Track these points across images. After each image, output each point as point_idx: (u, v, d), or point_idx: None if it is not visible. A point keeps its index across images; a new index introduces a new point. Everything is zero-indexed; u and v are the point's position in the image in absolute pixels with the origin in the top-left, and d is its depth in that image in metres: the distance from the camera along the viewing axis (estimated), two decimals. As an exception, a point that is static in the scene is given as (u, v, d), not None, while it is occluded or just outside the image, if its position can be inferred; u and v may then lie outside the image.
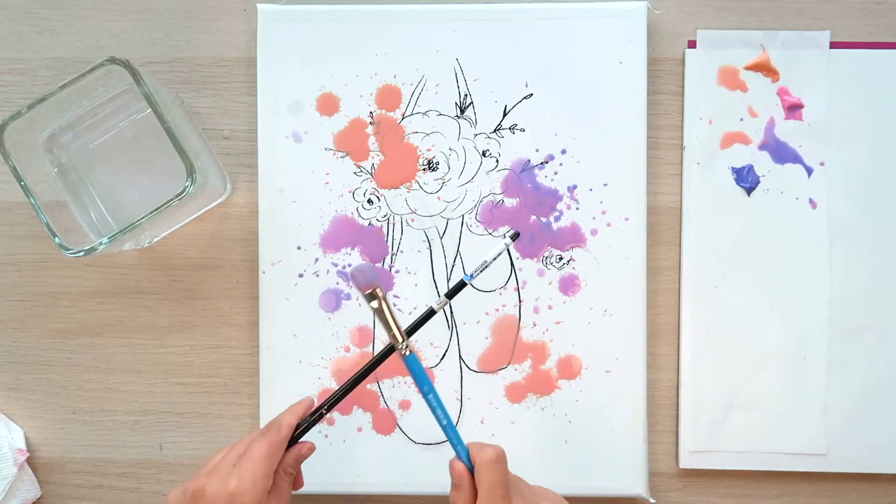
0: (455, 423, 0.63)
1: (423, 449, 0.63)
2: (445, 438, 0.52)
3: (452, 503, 0.51)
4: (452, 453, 0.52)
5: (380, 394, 0.64)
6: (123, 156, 0.62)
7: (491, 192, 0.63)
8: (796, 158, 0.63)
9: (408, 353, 0.52)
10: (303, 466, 0.54)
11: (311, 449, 0.55)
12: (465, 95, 0.63)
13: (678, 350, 0.64)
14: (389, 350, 0.53)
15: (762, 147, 0.63)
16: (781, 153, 0.63)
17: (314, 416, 0.54)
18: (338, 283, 0.63)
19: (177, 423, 0.65)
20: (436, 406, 0.52)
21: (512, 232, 0.57)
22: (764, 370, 0.63)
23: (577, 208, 0.63)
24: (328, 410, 0.54)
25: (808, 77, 0.62)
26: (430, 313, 0.54)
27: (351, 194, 0.63)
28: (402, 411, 0.63)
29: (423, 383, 0.52)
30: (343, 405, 0.63)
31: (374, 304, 0.51)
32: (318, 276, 0.63)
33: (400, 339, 0.52)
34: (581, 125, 0.63)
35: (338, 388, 0.56)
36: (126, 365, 0.65)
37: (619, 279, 0.63)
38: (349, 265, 0.63)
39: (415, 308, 0.63)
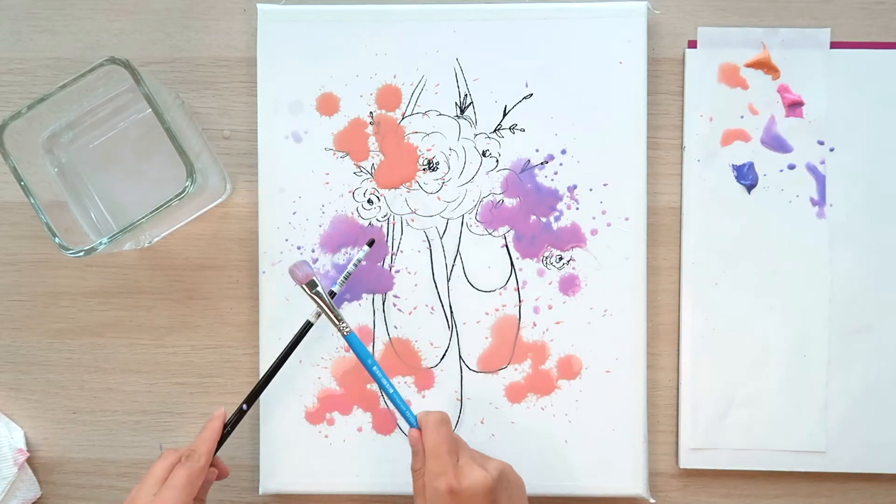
0: (455, 423, 0.63)
1: (424, 449, 0.63)
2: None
3: (412, 469, 0.54)
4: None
5: (380, 394, 0.63)
6: (123, 156, 0.62)
7: (491, 192, 0.63)
8: (797, 156, 0.63)
9: (348, 331, 0.58)
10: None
11: (222, 474, 0.59)
12: (465, 95, 0.63)
13: (678, 350, 0.64)
14: (306, 328, 0.60)
15: (762, 144, 0.63)
16: (782, 150, 0.63)
17: (238, 415, 0.59)
18: (338, 283, 0.63)
19: (177, 423, 0.65)
20: (381, 377, 0.58)
21: (370, 239, 0.62)
22: (764, 368, 0.63)
23: (577, 208, 0.63)
24: (248, 406, 0.59)
25: (808, 74, 0.62)
26: (308, 326, 0.60)
27: (351, 194, 0.63)
28: (402, 411, 0.63)
29: (366, 357, 0.59)
30: (343, 405, 0.63)
31: (317, 289, 0.58)
32: (318, 275, 0.63)
33: (339, 322, 0.58)
34: (581, 125, 0.63)
35: (260, 377, 0.60)
36: (126, 365, 0.65)
37: (619, 279, 0.63)
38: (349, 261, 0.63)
39: (415, 308, 0.63)
